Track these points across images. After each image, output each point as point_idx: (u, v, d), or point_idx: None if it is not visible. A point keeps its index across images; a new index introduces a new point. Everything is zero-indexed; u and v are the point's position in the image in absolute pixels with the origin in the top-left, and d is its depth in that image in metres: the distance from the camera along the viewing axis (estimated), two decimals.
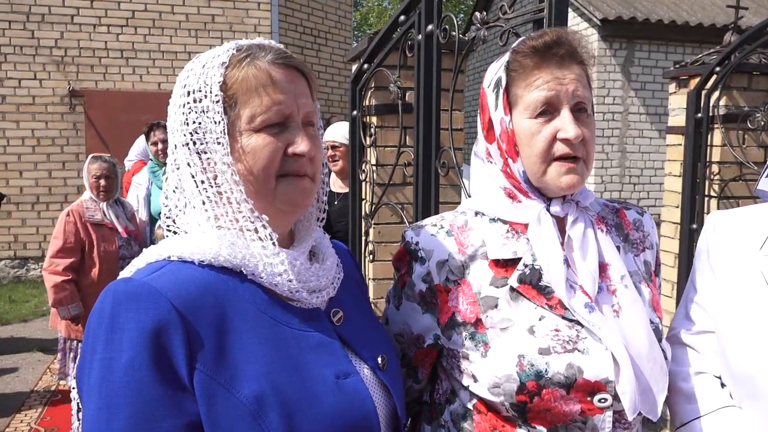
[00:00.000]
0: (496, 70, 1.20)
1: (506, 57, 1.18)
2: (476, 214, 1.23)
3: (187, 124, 0.98)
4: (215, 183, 0.98)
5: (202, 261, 0.94)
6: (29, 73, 8.08)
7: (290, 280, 0.98)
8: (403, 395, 1.14)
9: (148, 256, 0.97)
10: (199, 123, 0.97)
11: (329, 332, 1.02)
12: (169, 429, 0.86)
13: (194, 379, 0.87)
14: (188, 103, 0.97)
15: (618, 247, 1.23)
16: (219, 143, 0.95)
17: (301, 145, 0.97)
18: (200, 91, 0.96)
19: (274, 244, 0.99)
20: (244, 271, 0.96)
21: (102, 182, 4.09)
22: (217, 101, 0.95)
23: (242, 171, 0.97)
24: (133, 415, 0.84)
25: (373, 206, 3.02)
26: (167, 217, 1.03)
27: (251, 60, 0.97)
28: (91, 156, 4.25)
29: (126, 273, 0.96)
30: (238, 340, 0.92)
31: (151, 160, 4.70)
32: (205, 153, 0.97)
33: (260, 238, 0.98)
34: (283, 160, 0.97)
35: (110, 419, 0.85)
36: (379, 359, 1.07)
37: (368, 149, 3.11)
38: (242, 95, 0.95)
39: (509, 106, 1.16)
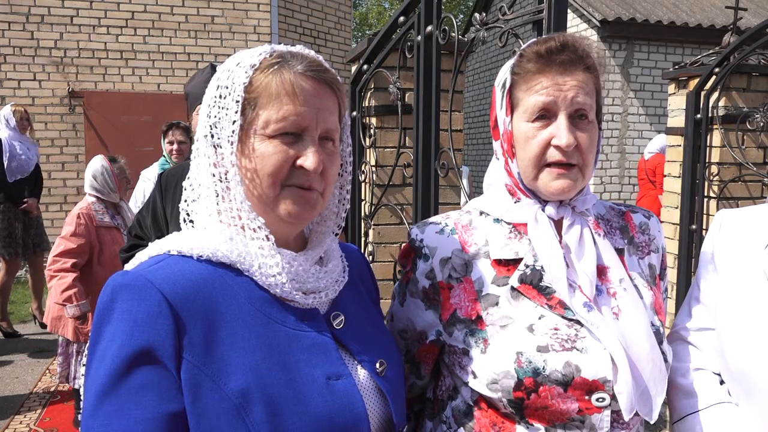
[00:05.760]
0: (505, 71, 1.22)
1: (513, 59, 1.20)
2: (480, 213, 1.25)
3: (209, 116, 1.01)
4: (225, 178, 1.00)
5: (201, 256, 0.97)
6: (29, 74, 8.07)
7: (283, 283, 1.00)
8: (403, 403, 1.12)
9: (151, 249, 1.01)
10: (219, 118, 0.99)
11: (324, 333, 1.02)
12: (155, 417, 0.88)
13: (182, 369, 0.90)
14: (215, 97, 1.00)
15: (622, 249, 1.23)
16: (230, 142, 0.98)
17: (309, 159, 0.97)
18: (226, 88, 0.99)
19: (271, 244, 1.00)
20: (240, 268, 0.98)
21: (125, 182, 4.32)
22: (237, 101, 0.97)
23: (249, 173, 0.98)
24: (120, 402, 0.88)
25: (373, 207, 3.03)
26: (184, 201, 1.06)
27: (280, 67, 0.98)
28: (104, 156, 4.28)
29: (129, 266, 1.00)
30: (228, 334, 0.93)
31: (163, 157, 4.79)
32: (219, 147, 0.99)
33: (259, 238, 1.00)
34: (291, 171, 0.98)
35: (98, 405, 0.88)
36: (378, 364, 1.06)
37: (368, 150, 3.11)
38: (263, 99, 0.97)
39: (511, 107, 1.19)
